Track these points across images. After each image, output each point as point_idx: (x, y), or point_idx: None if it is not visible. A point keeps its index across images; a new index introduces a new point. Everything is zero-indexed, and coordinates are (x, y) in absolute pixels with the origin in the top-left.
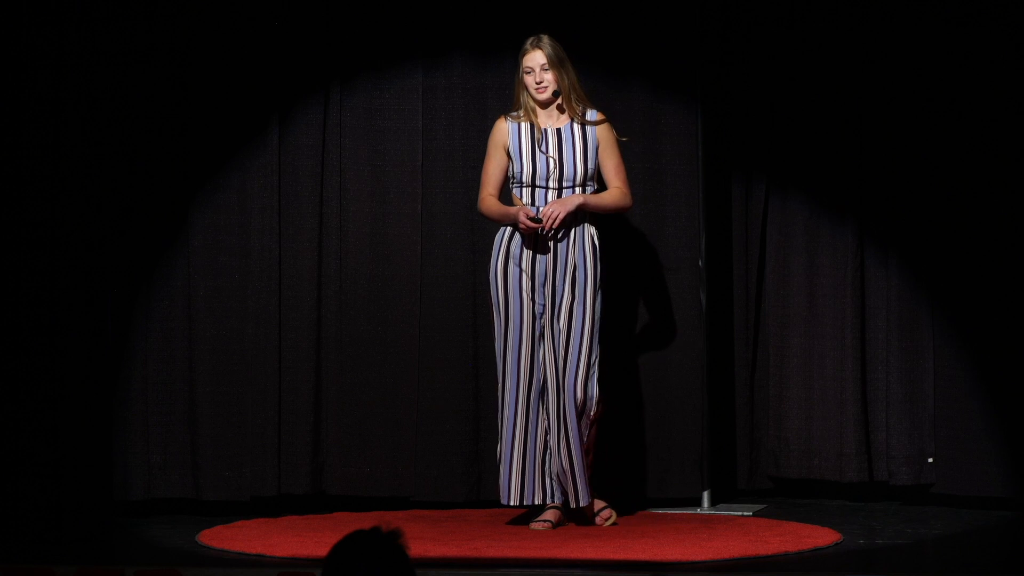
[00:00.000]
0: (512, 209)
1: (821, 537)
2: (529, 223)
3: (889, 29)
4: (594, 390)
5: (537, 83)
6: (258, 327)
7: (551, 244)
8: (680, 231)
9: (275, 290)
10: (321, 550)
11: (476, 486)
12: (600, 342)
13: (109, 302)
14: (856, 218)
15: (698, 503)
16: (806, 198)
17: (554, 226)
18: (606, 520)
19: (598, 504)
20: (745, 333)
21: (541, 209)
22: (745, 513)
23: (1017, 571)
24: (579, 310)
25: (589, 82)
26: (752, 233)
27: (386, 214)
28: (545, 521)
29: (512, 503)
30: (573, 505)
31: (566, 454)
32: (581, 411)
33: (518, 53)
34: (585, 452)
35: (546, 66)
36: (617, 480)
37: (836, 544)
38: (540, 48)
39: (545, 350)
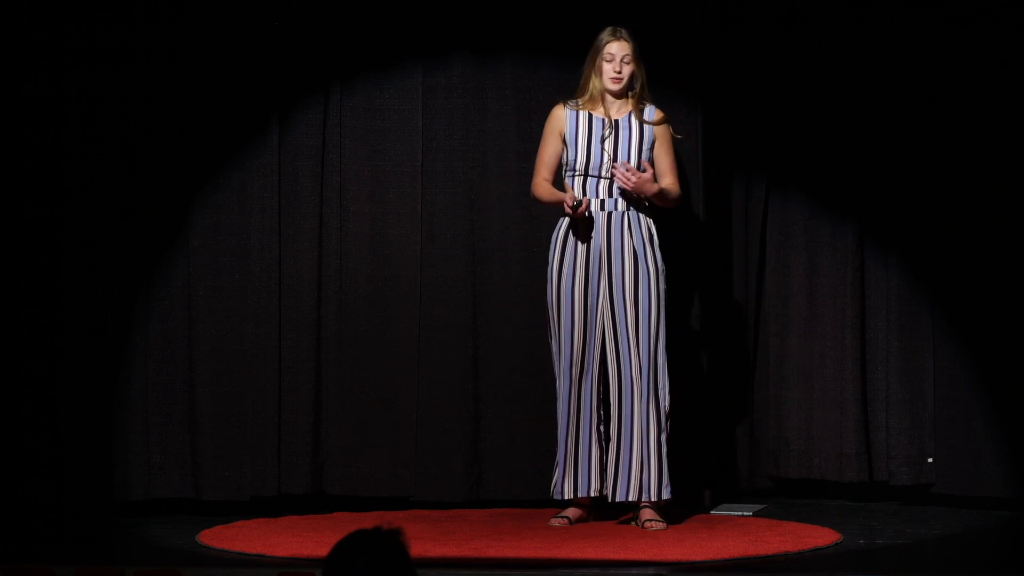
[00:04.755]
0: (561, 194)
1: (821, 537)
2: (570, 211)
3: (889, 29)
4: (665, 378)
5: (616, 72)
6: (258, 327)
7: (604, 227)
8: (680, 231)
9: (275, 290)
10: (321, 550)
11: (476, 486)
12: (667, 328)
13: (109, 302)
14: (856, 218)
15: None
16: (806, 198)
17: (624, 184)
18: (652, 528)
19: (649, 513)
20: (745, 333)
21: (592, 199)
22: (745, 513)
23: (1017, 571)
24: (644, 295)
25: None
26: (752, 233)
27: (386, 214)
28: (563, 517)
29: (566, 497)
30: (634, 498)
31: (629, 445)
32: (656, 400)
33: (596, 39)
34: (660, 448)
35: (628, 58)
36: None
37: (836, 544)
38: (626, 40)
39: (607, 342)
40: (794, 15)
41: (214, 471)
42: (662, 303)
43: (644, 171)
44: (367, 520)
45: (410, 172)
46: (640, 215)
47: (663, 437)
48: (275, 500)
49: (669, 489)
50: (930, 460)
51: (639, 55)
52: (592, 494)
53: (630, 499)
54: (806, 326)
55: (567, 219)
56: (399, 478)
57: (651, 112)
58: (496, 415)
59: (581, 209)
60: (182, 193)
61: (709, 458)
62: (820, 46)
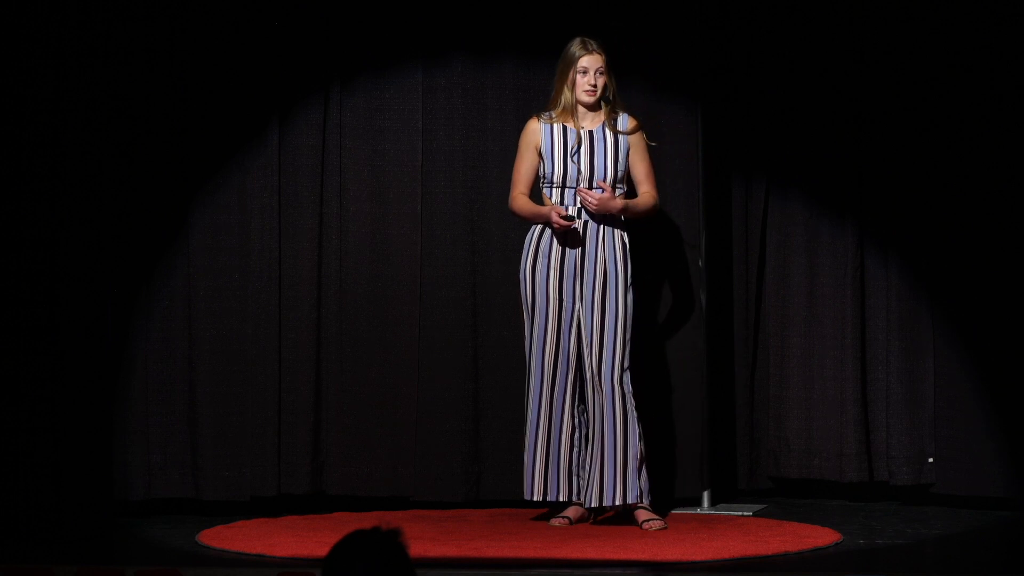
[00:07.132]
0: (544, 208)
1: (821, 537)
2: (562, 221)
3: (889, 29)
4: (629, 386)
5: (591, 85)
6: (258, 327)
7: (582, 238)
8: (680, 231)
9: (275, 290)
10: (321, 550)
11: (476, 486)
12: (632, 339)
13: (109, 302)
14: (856, 218)
15: (698, 503)
16: (806, 198)
17: (588, 207)
18: (651, 528)
19: (645, 514)
20: (745, 333)
21: (570, 207)
22: (745, 513)
23: (1017, 571)
24: (611, 306)
25: None
26: (752, 233)
27: (386, 214)
28: (564, 518)
29: (535, 499)
30: (596, 504)
31: (598, 451)
32: (622, 407)
33: (564, 51)
34: (625, 451)
35: (602, 70)
36: None
37: (836, 544)
38: (599, 52)
39: (582, 348)
40: (794, 15)
41: (214, 471)
42: (629, 315)
43: (603, 192)
44: (367, 520)
45: (410, 172)
46: (614, 230)
47: (635, 439)
48: (275, 500)
49: (636, 492)
50: (930, 460)
51: (611, 66)
52: (562, 498)
53: (616, 503)
54: (806, 326)
55: (541, 224)
56: (399, 478)
57: (624, 121)
58: (496, 415)
59: (570, 224)
60: (182, 193)
61: (709, 458)
62: (820, 46)
